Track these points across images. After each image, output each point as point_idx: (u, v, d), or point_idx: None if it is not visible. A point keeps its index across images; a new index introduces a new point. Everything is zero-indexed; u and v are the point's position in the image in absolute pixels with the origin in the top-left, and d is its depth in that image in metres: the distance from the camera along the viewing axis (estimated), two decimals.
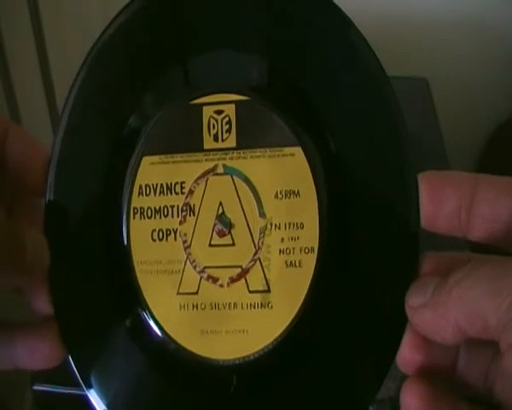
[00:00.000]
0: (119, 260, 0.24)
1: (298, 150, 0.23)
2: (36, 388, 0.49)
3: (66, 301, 0.24)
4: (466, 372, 0.21)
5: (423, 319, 0.20)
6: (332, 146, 0.23)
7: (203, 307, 0.23)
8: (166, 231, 0.24)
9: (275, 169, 0.23)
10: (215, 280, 0.23)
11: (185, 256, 0.24)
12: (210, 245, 0.23)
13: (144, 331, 0.24)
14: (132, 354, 0.24)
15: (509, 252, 0.20)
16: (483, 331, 0.18)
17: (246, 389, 0.23)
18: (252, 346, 0.23)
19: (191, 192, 0.24)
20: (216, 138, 0.24)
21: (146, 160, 0.24)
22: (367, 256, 0.23)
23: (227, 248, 0.23)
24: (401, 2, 0.82)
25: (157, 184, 0.24)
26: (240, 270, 0.23)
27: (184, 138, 0.24)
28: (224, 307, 0.23)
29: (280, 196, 0.23)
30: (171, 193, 0.24)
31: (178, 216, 0.24)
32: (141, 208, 0.24)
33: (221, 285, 0.23)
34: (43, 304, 0.24)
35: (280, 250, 0.23)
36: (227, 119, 0.23)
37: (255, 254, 0.23)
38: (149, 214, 0.24)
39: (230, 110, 0.23)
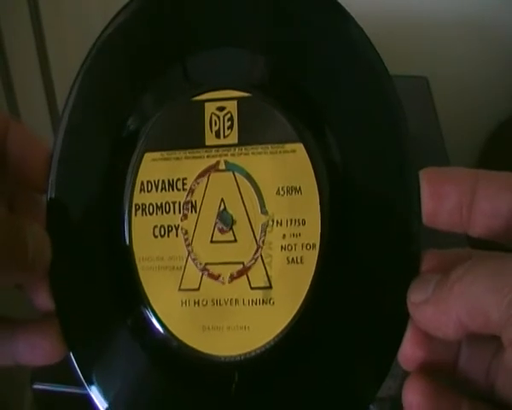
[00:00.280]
0: (121, 257, 0.24)
1: (299, 147, 0.23)
2: (36, 386, 0.49)
3: (67, 297, 0.24)
4: (467, 369, 0.22)
5: (425, 315, 0.20)
6: (333, 143, 0.23)
7: (205, 303, 0.23)
8: (168, 227, 0.24)
9: (276, 165, 0.23)
10: (217, 277, 0.23)
11: (187, 253, 0.24)
12: (211, 241, 0.24)
13: (146, 328, 0.24)
14: (134, 351, 0.24)
15: (509, 248, 0.20)
16: (485, 327, 0.18)
17: (247, 386, 0.23)
18: (253, 342, 0.23)
19: (193, 188, 0.24)
20: (218, 135, 0.24)
21: (148, 156, 0.24)
22: (368, 253, 0.23)
23: (229, 244, 0.23)
24: (401, 1, 0.82)
25: (159, 181, 0.24)
26: (241, 266, 0.23)
27: (186, 135, 0.24)
28: (226, 304, 0.23)
29: (281, 192, 0.23)
30: (172, 189, 0.24)
31: (180, 212, 0.24)
32: (142, 205, 0.24)
33: (222, 282, 0.23)
34: (44, 300, 0.24)
35: (282, 247, 0.23)
36: (229, 115, 0.23)
37: (257, 250, 0.23)
38: (151, 211, 0.24)
39: (232, 107, 0.23)
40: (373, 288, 0.23)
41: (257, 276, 0.23)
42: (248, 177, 0.23)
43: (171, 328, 0.23)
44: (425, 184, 0.21)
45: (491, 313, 0.18)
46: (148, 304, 0.24)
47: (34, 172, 0.24)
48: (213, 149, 0.24)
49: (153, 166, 0.24)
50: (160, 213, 0.24)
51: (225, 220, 0.23)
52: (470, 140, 0.86)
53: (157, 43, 0.25)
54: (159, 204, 0.24)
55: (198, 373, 0.24)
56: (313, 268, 0.22)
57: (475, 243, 0.22)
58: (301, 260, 0.23)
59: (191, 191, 0.24)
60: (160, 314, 0.24)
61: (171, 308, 0.23)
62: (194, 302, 0.23)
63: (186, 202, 0.24)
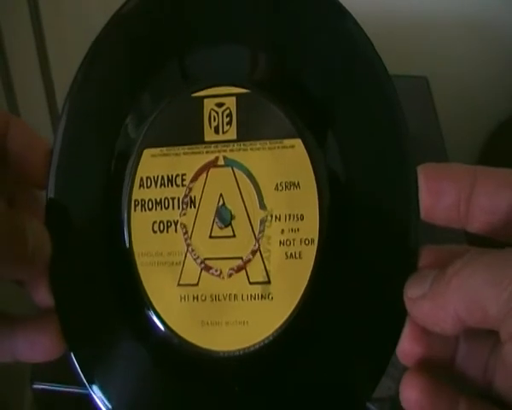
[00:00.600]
0: (120, 253, 0.24)
1: (298, 142, 0.23)
2: (36, 386, 0.49)
3: (66, 294, 0.24)
4: (465, 365, 0.22)
5: (422, 311, 0.20)
6: (332, 139, 0.23)
7: (203, 298, 0.23)
8: (167, 222, 0.24)
9: (275, 161, 0.23)
10: (215, 272, 0.23)
11: (186, 248, 0.24)
12: (210, 237, 0.24)
13: (145, 323, 0.24)
14: (133, 347, 0.24)
15: (507, 244, 0.20)
16: (483, 321, 0.18)
17: (246, 381, 0.23)
18: (252, 337, 0.23)
19: (192, 184, 0.24)
20: (217, 131, 0.24)
21: (147, 152, 0.24)
22: (367, 248, 0.23)
23: (227, 239, 0.23)
24: (401, 1, 0.82)
25: (158, 177, 0.24)
26: (240, 261, 0.23)
27: (185, 131, 0.24)
28: (225, 299, 0.23)
29: (280, 187, 0.23)
30: (172, 185, 0.24)
31: (179, 208, 0.24)
32: (142, 200, 0.24)
33: (221, 277, 0.23)
34: (43, 296, 0.24)
35: (280, 242, 0.23)
36: (228, 111, 0.24)
37: (255, 245, 0.23)
38: (150, 206, 0.24)
39: (231, 103, 0.24)
40: (371, 283, 0.23)
41: (255, 271, 0.23)
42: (247, 172, 0.23)
43: (170, 323, 0.23)
44: (423, 180, 0.21)
45: (489, 307, 0.18)
46: (147, 300, 0.24)
47: (34, 167, 0.25)
48: (212, 145, 0.24)
49: (152, 162, 0.24)
50: (159, 208, 0.24)
51: (224, 216, 0.23)
52: (470, 140, 0.86)
53: (156, 40, 0.25)
54: (158, 200, 0.24)
55: (197, 368, 0.24)
56: (312, 263, 0.22)
57: (473, 239, 0.22)
58: (300, 255, 0.23)
59: (190, 187, 0.24)
60: (159, 310, 0.24)
61: (170, 303, 0.24)
62: (193, 298, 0.23)
63: (185, 198, 0.24)
